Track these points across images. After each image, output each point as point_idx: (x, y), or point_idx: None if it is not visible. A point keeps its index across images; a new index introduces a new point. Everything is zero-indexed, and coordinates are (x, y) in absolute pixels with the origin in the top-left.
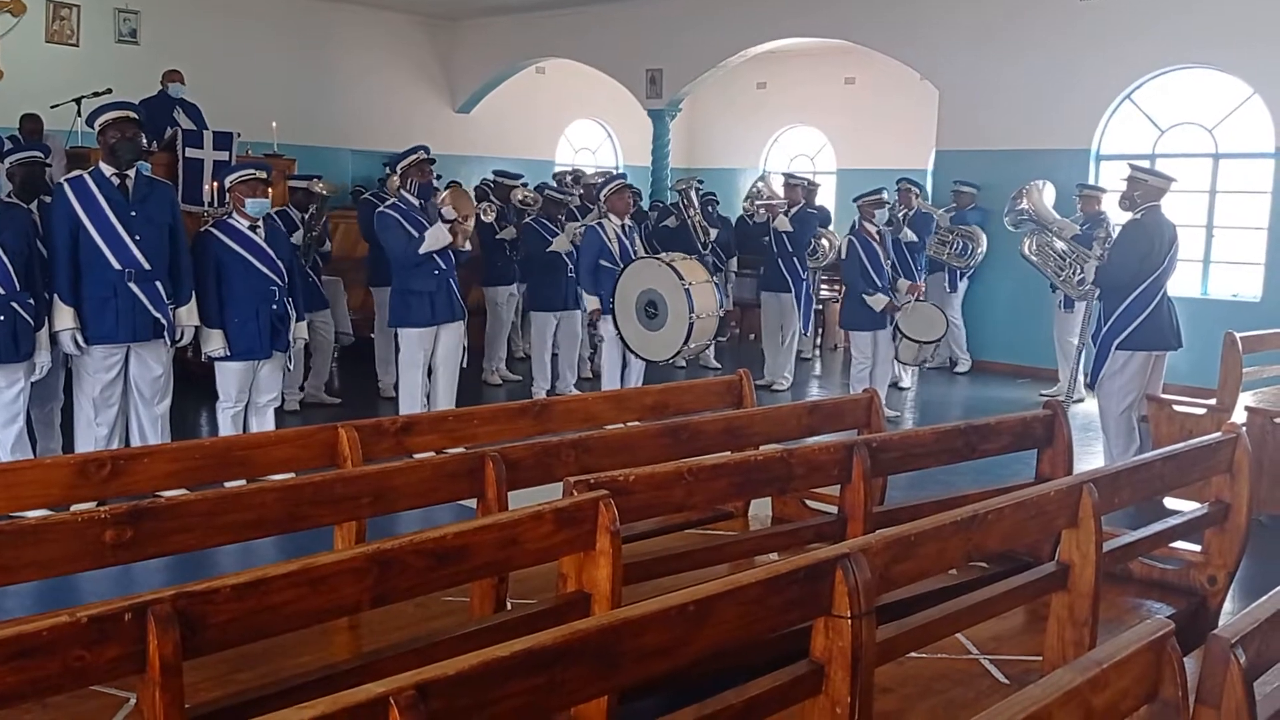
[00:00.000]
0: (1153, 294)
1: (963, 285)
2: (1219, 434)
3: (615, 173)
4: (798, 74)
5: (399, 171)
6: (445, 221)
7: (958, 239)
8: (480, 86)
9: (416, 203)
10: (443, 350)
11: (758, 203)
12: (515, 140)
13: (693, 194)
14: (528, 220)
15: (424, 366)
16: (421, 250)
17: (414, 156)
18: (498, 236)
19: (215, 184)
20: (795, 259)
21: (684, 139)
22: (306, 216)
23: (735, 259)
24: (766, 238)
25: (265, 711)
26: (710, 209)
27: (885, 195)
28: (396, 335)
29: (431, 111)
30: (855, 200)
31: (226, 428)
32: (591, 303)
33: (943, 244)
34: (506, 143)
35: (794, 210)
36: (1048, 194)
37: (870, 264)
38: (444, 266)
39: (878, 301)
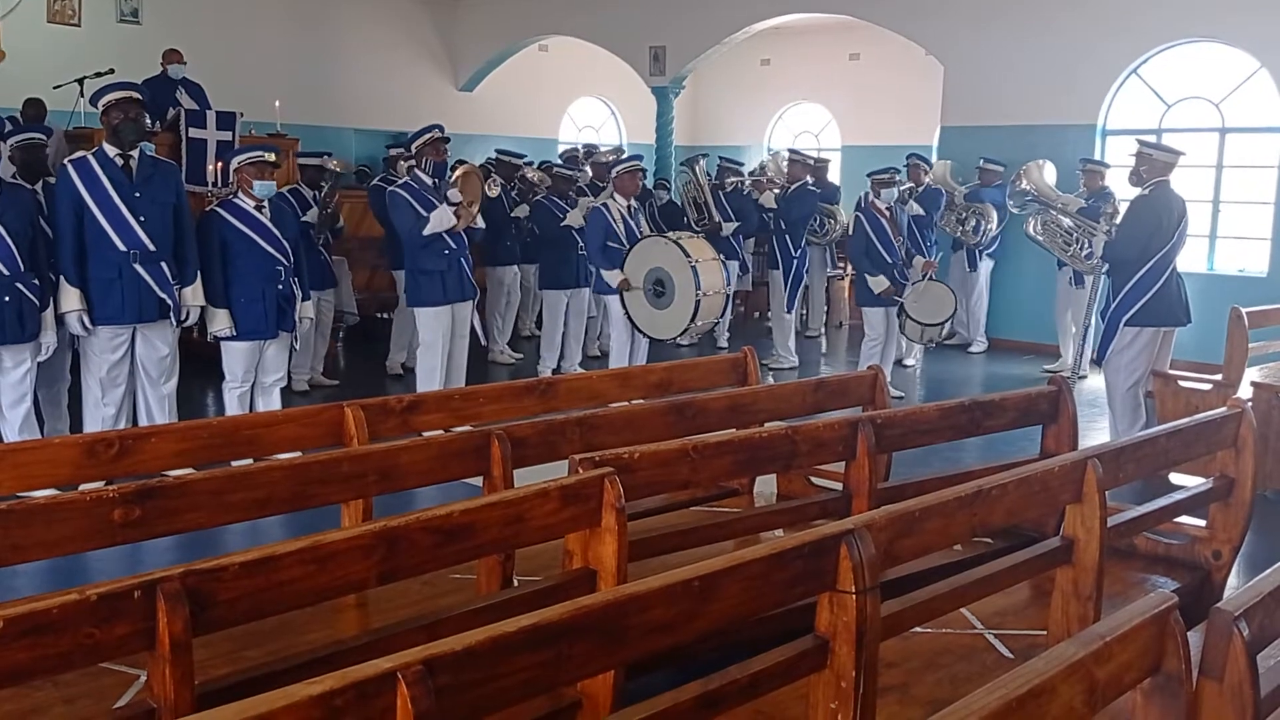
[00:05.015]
0: (1161, 269)
1: (985, 264)
2: (1224, 409)
3: (629, 153)
4: (802, 50)
5: (414, 150)
6: (451, 204)
7: (971, 215)
8: (483, 65)
9: (430, 182)
10: (456, 329)
11: (751, 179)
12: (519, 119)
13: (697, 170)
14: (539, 198)
15: (443, 347)
16: (426, 231)
17: (429, 135)
18: (513, 214)
19: (219, 164)
20: (787, 237)
21: (688, 116)
22: (322, 194)
23: (754, 240)
24: (767, 215)
25: (274, 687)
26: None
27: (896, 173)
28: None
29: (435, 90)
30: (869, 176)
31: (233, 407)
32: (614, 276)
33: (958, 221)
34: (510, 121)
35: (792, 187)
36: (1048, 172)
37: (879, 240)
38: (454, 246)
39: (878, 283)
